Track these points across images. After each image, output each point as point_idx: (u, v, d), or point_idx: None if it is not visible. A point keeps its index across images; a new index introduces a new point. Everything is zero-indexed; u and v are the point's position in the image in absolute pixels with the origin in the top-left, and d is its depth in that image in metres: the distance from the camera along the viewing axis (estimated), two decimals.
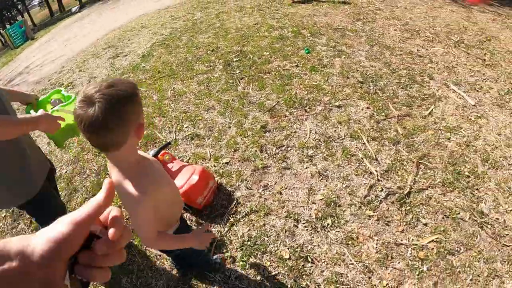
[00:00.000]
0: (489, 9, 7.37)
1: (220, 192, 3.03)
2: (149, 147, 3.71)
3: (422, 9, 6.88)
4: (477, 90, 4.35)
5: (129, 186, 1.13)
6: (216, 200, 2.96)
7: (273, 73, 4.64)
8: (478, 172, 3.09)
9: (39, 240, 0.46)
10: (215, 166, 3.29)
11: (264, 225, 2.70)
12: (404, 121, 3.62)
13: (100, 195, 0.51)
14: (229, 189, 3.05)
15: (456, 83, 4.40)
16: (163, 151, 2.82)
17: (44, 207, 1.84)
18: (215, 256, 2.33)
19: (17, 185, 1.71)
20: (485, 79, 4.62)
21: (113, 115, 0.97)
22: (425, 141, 3.37)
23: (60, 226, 0.47)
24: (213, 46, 5.75)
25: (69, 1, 42.07)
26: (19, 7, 35.40)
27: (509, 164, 3.29)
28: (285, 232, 2.64)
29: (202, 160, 3.40)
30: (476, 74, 4.70)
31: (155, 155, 2.67)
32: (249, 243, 2.58)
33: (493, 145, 3.50)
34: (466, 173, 3.05)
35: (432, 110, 3.82)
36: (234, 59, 5.16)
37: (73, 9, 21.54)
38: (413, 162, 3.11)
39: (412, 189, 2.87)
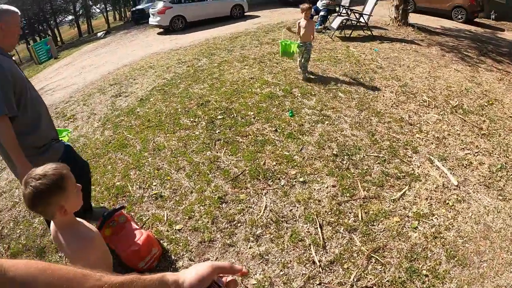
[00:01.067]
0: (497, 66, 7.06)
1: (164, 259, 2.95)
2: (119, 199, 3.72)
3: (426, 68, 6.69)
4: (465, 167, 4.08)
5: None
6: (159, 265, 2.87)
7: (250, 137, 4.55)
8: (439, 270, 2.80)
9: (190, 273, 0.70)
10: (167, 231, 3.22)
11: None
12: (370, 204, 3.40)
13: (237, 267, 0.75)
14: (173, 257, 2.96)
15: (442, 158, 4.14)
16: (117, 212, 2.90)
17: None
18: None
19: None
20: (477, 152, 4.35)
21: (39, 200, 1.35)
22: (386, 229, 3.13)
23: (202, 267, 0.70)
24: (204, 99, 5.77)
25: (100, 24, 44.38)
26: (50, 22, 37.16)
27: (480, 261, 2.98)
28: None
29: (158, 223, 3.34)
30: (468, 147, 4.44)
31: (109, 216, 2.80)
32: None
33: (467, 236, 3.20)
34: (424, 272, 2.78)
35: (405, 192, 3.58)
36: (219, 117, 5.14)
37: (99, 34, 22.20)
38: (364, 255, 2.87)
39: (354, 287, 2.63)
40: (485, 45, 9.18)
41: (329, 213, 3.29)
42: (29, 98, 2.28)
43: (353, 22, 8.90)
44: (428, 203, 3.50)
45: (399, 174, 3.83)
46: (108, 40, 18.72)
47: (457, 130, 4.70)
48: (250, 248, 3.02)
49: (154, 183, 3.88)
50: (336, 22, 8.67)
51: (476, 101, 5.59)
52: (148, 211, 3.48)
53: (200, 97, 5.93)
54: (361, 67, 6.63)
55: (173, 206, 3.53)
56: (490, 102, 5.63)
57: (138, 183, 3.91)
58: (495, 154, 4.31)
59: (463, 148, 4.36)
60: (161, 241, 2.99)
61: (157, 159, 4.34)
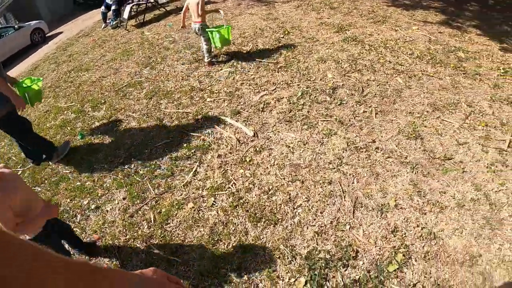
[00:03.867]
0: None
1: None
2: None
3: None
4: (262, 110, 3.61)
5: None
6: None
7: None
8: (246, 242, 2.46)
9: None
10: None
11: None
12: (162, 201, 2.85)
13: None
14: None
15: (235, 113, 3.59)
16: None
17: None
18: None
19: None
20: (274, 90, 3.92)
21: None
22: (182, 222, 2.67)
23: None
24: None
25: None
26: None
27: (294, 209, 2.60)
28: None
29: None
30: (263, 88, 3.98)
31: None
32: None
33: (272, 188, 2.75)
34: (231, 250, 2.27)
35: (196, 170, 2.93)
36: None
37: None
38: (164, 261, 2.32)
39: None
40: None
41: (123, 231, 2.53)
42: None
43: (143, 5, 8.26)
44: (222, 170, 2.92)
45: (188, 153, 3.21)
46: None
47: (251, 75, 4.25)
48: None
49: None
50: (126, 11, 7.90)
51: (272, 36, 5.28)
52: None
53: (1, 157, 4.70)
54: (154, 49, 5.95)
55: None
56: (286, 32, 5.38)
57: None
58: (295, 82, 3.93)
59: (258, 92, 3.87)
60: None
61: None
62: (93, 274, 0.60)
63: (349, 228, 2.33)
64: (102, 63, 6.14)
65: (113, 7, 8.37)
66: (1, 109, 2.94)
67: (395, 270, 2.07)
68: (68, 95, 5.47)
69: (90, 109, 4.81)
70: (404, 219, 2.35)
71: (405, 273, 2.06)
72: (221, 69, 4.65)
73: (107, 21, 8.61)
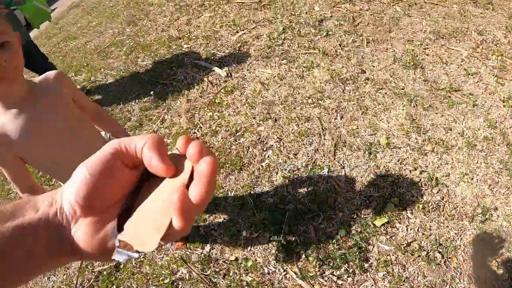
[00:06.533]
0: None
1: None
2: None
3: None
4: (238, 49, 2.95)
5: None
6: None
7: None
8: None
9: None
10: None
11: None
12: None
13: None
14: None
15: (211, 55, 2.97)
16: None
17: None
18: None
19: None
20: (253, 28, 3.30)
21: None
22: None
23: None
24: None
25: None
26: None
27: (261, 157, 1.82)
28: None
29: None
30: (242, 27, 3.38)
31: None
32: None
33: (239, 133, 2.03)
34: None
35: (163, 118, 2.37)
36: None
37: None
38: None
39: None
40: None
41: None
42: None
43: None
44: (189, 115, 2.31)
45: (159, 102, 2.68)
46: None
47: (232, 17, 3.52)
48: None
49: None
50: None
51: None
52: None
53: None
54: (138, 7, 5.36)
55: None
56: None
57: None
58: (277, 19, 3.27)
59: (237, 31, 3.20)
60: None
61: None
62: None
63: (328, 171, 1.70)
64: (88, 29, 5.60)
65: None
66: None
67: (384, 225, 1.47)
68: (56, 64, 4.97)
69: (73, 74, 4.37)
70: (398, 160, 1.71)
71: (398, 228, 1.45)
72: (201, 16, 3.95)
73: None
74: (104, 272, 1.81)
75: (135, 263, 1.76)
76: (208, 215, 1.76)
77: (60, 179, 1.24)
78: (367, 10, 3.00)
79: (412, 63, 2.28)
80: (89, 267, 1.90)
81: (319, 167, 1.77)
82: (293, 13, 3.25)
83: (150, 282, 1.67)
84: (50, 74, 1.10)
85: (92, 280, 1.84)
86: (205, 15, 3.89)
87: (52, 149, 1.09)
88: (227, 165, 1.95)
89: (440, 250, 1.43)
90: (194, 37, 3.52)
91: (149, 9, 5.06)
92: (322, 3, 3.27)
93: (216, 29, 3.50)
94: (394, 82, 2.17)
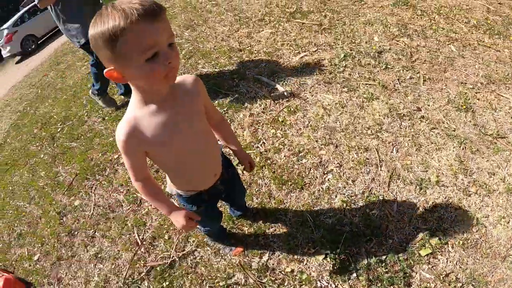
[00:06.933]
0: None
1: None
2: None
3: None
4: (301, 70, 3.19)
5: None
6: None
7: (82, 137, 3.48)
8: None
9: None
10: (30, 265, 2.60)
11: None
12: None
13: None
14: None
15: (273, 73, 3.24)
16: None
17: None
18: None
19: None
20: (315, 51, 3.51)
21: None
22: None
23: None
24: (47, 117, 4.80)
25: None
26: None
27: (324, 174, 2.15)
28: None
29: (24, 261, 2.67)
30: (303, 49, 3.59)
31: None
32: None
33: (303, 151, 2.32)
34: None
35: None
36: (58, 129, 4.21)
37: None
38: None
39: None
40: None
41: None
42: None
43: None
44: (253, 129, 2.63)
45: (221, 111, 2.95)
46: None
47: (293, 36, 3.79)
48: (87, 252, 2.43)
49: (15, 225, 3.13)
50: None
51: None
52: (15, 254, 2.83)
53: (43, 117, 4.84)
54: (196, 12, 5.57)
55: (31, 240, 2.85)
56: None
57: (6, 231, 3.11)
58: (338, 45, 3.47)
59: (298, 52, 3.46)
60: (29, 277, 2.48)
61: (15, 199, 3.49)
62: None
63: (382, 200, 1.95)
64: None
65: None
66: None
67: (427, 255, 1.71)
68: None
69: None
70: (445, 198, 1.94)
71: (439, 259, 1.69)
72: (262, 30, 4.22)
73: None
74: (158, 268, 2.07)
75: (190, 263, 2.05)
76: (268, 227, 2.04)
77: (176, 177, 1.26)
78: (423, 47, 3.19)
79: (464, 106, 2.48)
80: (141, 260, 2.18)
81: (374, 195, 2.03)
82: (353, 40, 3.47)
83: (204, 283, 1.90)
84: (188, 77, 1.10)
85: (143, 274, 2.09)
86: (265, 30, 4.13)
87: (180, 152, 1.10)
88: (289, 183, 2.24)
89: (474, 283, 1.65)
90: (255, 51, 3.77)
91: (208, 16, 5.30)
92: (381, 34, 3.48)
93: (278, 46, 3.74)
94: (447, 123, 2.38)
